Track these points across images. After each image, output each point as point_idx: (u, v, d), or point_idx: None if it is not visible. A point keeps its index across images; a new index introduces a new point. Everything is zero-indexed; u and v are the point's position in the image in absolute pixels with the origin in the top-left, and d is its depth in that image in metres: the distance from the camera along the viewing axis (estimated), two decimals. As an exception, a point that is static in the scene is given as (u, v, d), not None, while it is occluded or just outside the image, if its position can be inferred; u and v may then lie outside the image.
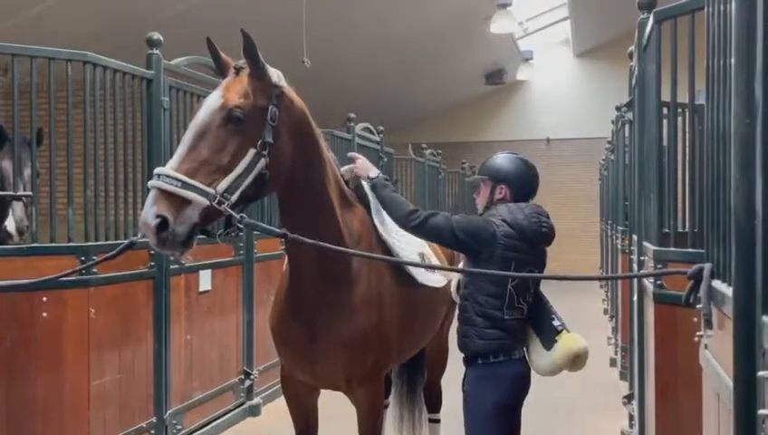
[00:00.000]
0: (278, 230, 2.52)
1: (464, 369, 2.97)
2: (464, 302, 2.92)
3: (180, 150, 2.33)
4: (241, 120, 2.38)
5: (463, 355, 2.96)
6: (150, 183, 2.28)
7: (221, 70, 2.58)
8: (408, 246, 3.16)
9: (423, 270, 3.16)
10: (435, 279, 3.26)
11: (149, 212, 2.23)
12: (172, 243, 2.26)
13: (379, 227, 3.00)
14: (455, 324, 3.10)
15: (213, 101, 2.40)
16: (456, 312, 3.07)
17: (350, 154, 3.14)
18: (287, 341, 2.94)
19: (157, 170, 2.31)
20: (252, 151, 2.39)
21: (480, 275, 2.84)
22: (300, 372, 2.98)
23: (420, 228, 2.84)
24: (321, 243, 2.46)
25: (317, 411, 3.19)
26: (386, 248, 3.01)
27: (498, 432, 2.87)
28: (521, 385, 2.92)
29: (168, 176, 2.26)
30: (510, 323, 2.86)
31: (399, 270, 3.02)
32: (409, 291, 3.03)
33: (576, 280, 2.86)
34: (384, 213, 3.00)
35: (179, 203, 2.25)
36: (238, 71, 2.48)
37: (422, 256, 3.31)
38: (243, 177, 2.36)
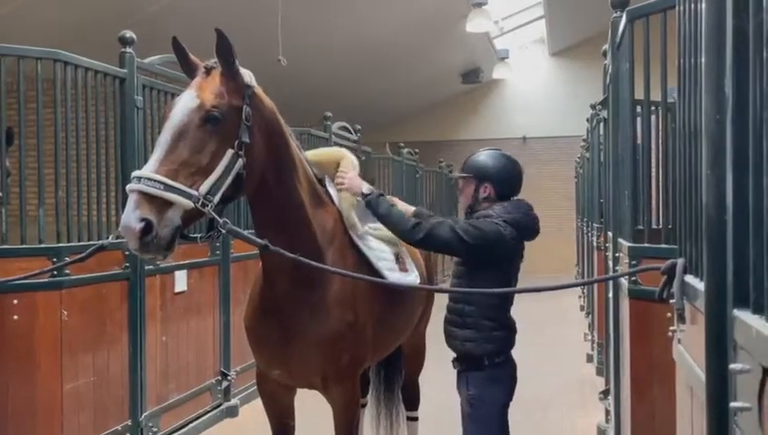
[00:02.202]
0: (260, 241, 2.47)
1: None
2: (465, 307, 2.90)
3: (158, 152, 2.28)
4: (219, 120, 2.35)
5: (457, 359, 2.96)
6: (130, 186, 2.22)
7: (188, 69, 2.52)
8: (381, 245, 3.17)
9: (397, 270, 3.16)
10: (409, 279, 3.26)
11: (132, 216, 2.17)
12: (156, 247, 2.22)
13: (350, 230, 2.99)
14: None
15: (188, 102, 2.35)
16: (450, 317, 3.03)
17: (339, 172, 3.03)
18: (261, 340, 2.92)
19: (136, 173, 2.25)
20: (230, 152, 2.37)
21: (483, 280, 2.86)
22: (274, 371, 2.97)
23: (426, 242, 2.81)
24: (303, 259, 2.45)
25: (294, 411, 3.18)
26: (360, 252, 3.01)
27: (505, 430, 2.91)
28: (515, 381, 2.98)
29: (148, 178, 2.21)
30: (511, 322, 2.92)
31: (374, 269, 3.02)
32: (384, 289, 3.03)
33: (557, 289, 2.89)
34: (354, 214, 2.99)
35: (162, 206, 2.21)
36: (209, 70, 2.45)
37: (397, 255, 3.31)
38: (223, 178, 2.34)
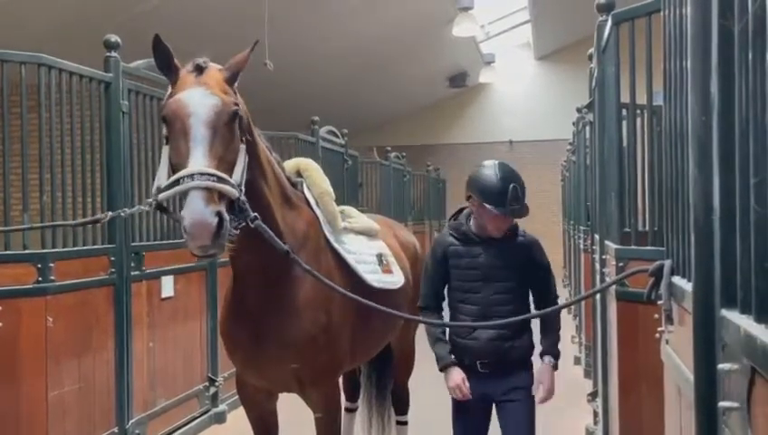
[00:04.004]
0: (283, 246, 2.52)
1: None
2: (508, 316, 2.88)
3: (201, 147, 2.25)
4: (239, 117, 2.40)
5: (492, 364, 2.94)
6: (192, 184, 2.16)
7: (168, 68, 2.46)
8: (362, 242, 3.16)
9: (380, 271, 3.14)
10: (392, 280, 3.24)
11: (207, 211, 2.13)
12: (223, 241, 2.19)
13: (329, 235, 2.99)
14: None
15: (208, 98, 2.32)
16: (497, 334, 2.94)
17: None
18: (235, 344, 2.90)
19: (188, 171, 2.19)
20: (243, 147, 2.42)
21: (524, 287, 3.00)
22: (250, 375, 2.95)
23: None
24: (317, 273, 2.52)
25: (276, 416, 3.15)
26: (336, 252, 3.01)
27: None
28: None
29: (202, 173, 2.19)
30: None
31: (350, 271, 3.00)
32: (362, 291, 2.99)
33: (558, 310, 2.95)
34: (339, 217, 3.04)
35: (220, 199, 2.21)
36: (201, 69, 2.44)
37: (380, 256, 3.30)
38: (243, 172, 2.39)
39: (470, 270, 2.96)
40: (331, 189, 3.10)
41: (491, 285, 2.93)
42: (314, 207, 3.00)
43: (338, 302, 2.88)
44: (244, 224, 2.38)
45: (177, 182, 2.20)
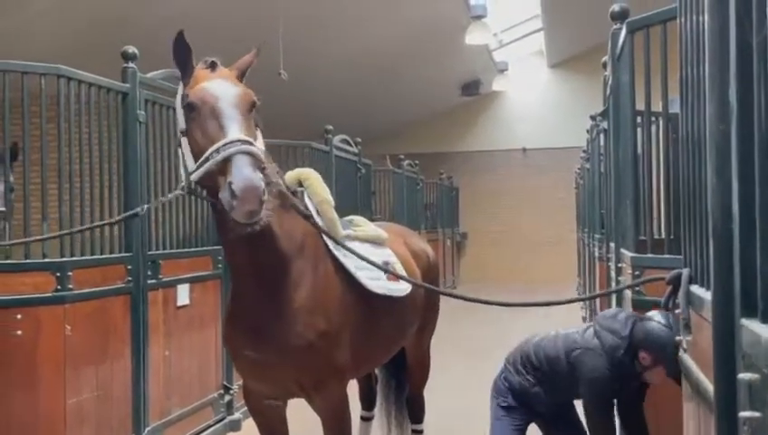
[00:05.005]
0: (304, 211, 2.65)
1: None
2: None
3: (236, 120, 2.35)
4: (257, 106, 2.50)
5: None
6: (238, 148, 2.24)
7: (185, 65, 2.56)
8: (367, 250, 3.14)
9: (384, 278, 3.11)
10: (398, 288, 3.21)
11: (255, 176, 2.20)
12: (264, 208, 2.24)
13: (328, 242, 2.96)
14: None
15: (231, 87, 2.45)
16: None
17: None
18: (236, 350, 2.91)
19: (230, 138, 2.27)
20: (260, 134, 2.52)
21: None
22: (253, 381, 2.96)
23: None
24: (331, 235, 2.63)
25: (286, 424, 3.13)
26: (336, 262, 2.97)
27: None
28: None
29: (243, 141, 2.27)
30: None
31: (350, 277, 2.98)
32: (365, 298, 2.98)
33: (562, 304, 2.92)
34: (339, 224, 3.09)
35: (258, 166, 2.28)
36: (215, 65, 2.53)
37: (386, 264, 3.28)
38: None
39: None
40: (331, 198, 3.10)
41: None
42: (315, 216, 3.00)
43: (336, 307, 2.87)
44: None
45: (216, 153, 2.26)
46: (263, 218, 2.28)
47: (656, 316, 2.89)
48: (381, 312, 3.14)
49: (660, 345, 2.86)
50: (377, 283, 3.10)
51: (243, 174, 2.18)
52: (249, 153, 2.24)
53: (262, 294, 2.76)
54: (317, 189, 3.08)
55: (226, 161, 2.24)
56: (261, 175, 2.23)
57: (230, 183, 2.18)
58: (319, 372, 2.83)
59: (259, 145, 2.43)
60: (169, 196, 2.92)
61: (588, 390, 3.11)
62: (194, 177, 2.37)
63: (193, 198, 3.88)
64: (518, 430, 3.34)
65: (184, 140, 2.47)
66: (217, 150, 2.26)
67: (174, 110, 4.72)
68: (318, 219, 3.00)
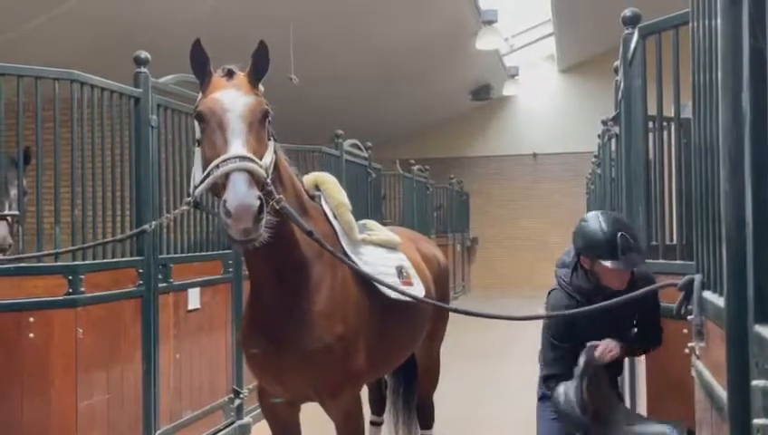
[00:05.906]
0: (306, 226, 2.56)
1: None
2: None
3: (240, 136, 2.34)
4: (270, 116, 2.50)
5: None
6: (234, 165, 2.23)
7: (203, 72, 2.56)
8: (381, 254, 3.16)
9: (399, 283, 3.13)
10: (414, 292, 3.23)
11: (250, 194, 2.18)
12: (262, 224, 2.22)
13: (346, 247, 2.99)
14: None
15: (242, 98, 2.44)
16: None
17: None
18: (254, 354, 2.92)
19: (229, 154, 2.27)
20: (272, 144, 2.51)
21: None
22: (268, 384, 2.97)
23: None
24: (339, 254, 2.54)
25: (299, 428, 3.14)
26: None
27: None
28: None
29: (242, 157, 2.25)
30: None
31: (366, 282, 2.96)
32: (382, 301, 2.99)
33: (566, 316, 2.92)
34: (355, 227, 3.06)
35: (256, 183, 2.27)
36: (232, 73, 2.53)
37: (399, 269, 3.29)
38: (271, 162, 2.46)
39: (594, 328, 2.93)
40: (348, 201, 3.13)
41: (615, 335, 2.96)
42: (332, 219, 3.02)
43: (353, 312, 2.88)
44: (269, 208, 2.38)
45: (216, 168, 2.26)
46: (261, 235, 2.25)
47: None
48: (395, 316, 3.15)
49: (582, 237, 2.85)
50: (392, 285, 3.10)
51: (236, 192, 2.17)
52: (246, 170, 2.22)
53: (281, 298, 2.77)
54: (334, 193, 3.10)
55: (225, 177, 2.24)
56: (257, 193, 2.20)
57: (224, 201, 2.18)
58: (335, 376, 2.84)
59: (268, 158, 2.41)
60: (175, 212, 2.94)
61: (545, 327, 3.07)
62: (197, 192, 2.38)
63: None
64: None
65: (198, 151, 2.47)
66: (217, 166, 2.26)
67: (186, 115, 4.80)
68: (335, 222, 3.02)
